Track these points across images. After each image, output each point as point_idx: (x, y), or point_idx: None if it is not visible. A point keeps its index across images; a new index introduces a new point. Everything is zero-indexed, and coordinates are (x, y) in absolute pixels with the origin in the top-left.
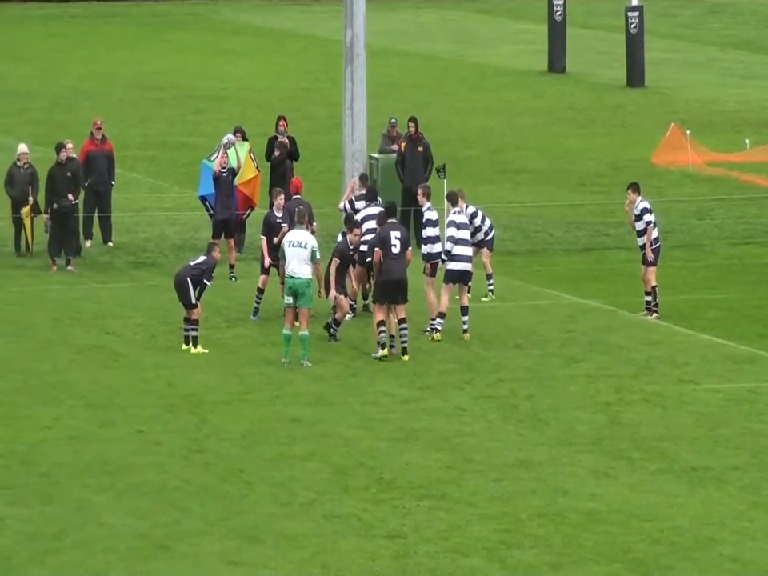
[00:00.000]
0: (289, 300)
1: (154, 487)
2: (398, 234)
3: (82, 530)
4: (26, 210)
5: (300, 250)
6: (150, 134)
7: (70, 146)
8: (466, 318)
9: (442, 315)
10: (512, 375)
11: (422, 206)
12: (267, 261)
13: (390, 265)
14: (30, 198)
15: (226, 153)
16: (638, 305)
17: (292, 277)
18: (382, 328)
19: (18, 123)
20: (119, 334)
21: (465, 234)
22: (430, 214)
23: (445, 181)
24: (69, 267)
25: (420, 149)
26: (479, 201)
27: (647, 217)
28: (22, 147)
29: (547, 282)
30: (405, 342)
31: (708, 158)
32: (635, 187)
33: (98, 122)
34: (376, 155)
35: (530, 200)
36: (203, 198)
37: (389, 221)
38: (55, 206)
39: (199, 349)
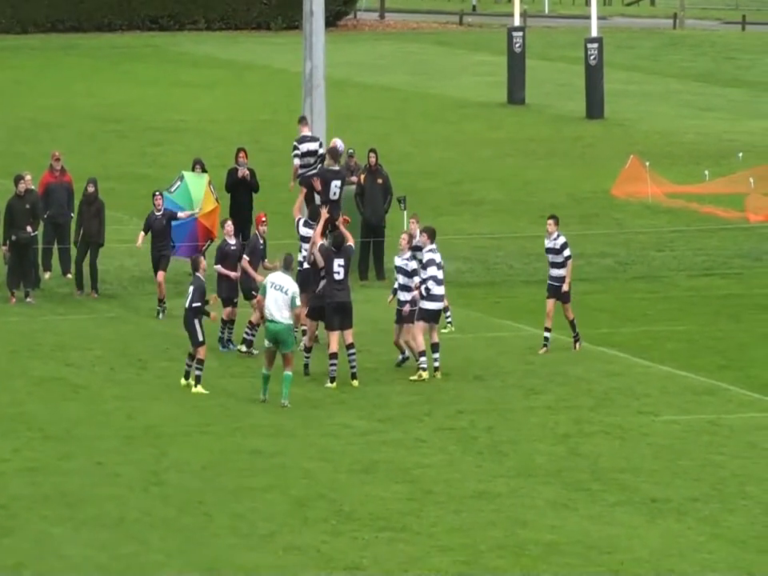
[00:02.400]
0: (269, 344)
1: (113, 519)
2: (341, 261)
3: (41, 562)
4: None
5: (280, 295)
6: (109, 166)
7: (28, 177)
8: (437, 356)
9: (423, 353)
10: (472, 407)
11: (422, 247)
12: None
13: (334, 291)
14: None
15: (161, 196)
16: (600, 336)
17: (272, 321)
18: (334, 361)
19: None
20: (78, 366)
21: (442, 274)
22: (433, 255)
23: (405, 212)
24: (28, 299)
25: (380, 180)
26: (440, 233)
27: (567, 251)
28: None
29: (507, 314)
30: (353, 367)
31: (667, 190)
32: (556, 219)
33: (57, 154)
34: None
35: (489, 231)
36: None
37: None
38: (14, 237)
39: (200, 389)
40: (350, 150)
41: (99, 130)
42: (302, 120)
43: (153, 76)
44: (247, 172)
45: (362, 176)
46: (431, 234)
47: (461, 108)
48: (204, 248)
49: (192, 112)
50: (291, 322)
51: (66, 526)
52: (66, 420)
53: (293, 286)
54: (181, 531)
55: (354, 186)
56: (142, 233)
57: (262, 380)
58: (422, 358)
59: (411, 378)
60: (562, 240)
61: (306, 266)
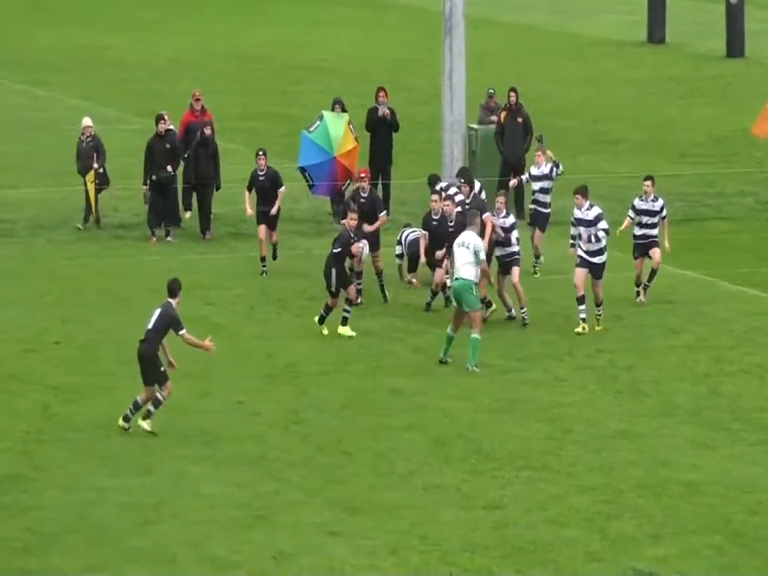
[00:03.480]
0: (455, 303)
1: (253, 458)
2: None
3: (180, 500)
4: (89, 176)
5: (464, 251)
6: (249, 105)
7: (167, 117)
8: (600, 310)
9: (581, 301)
10: (611, 346)
11: (579, 208)
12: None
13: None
14: (95, 165)
15: (264, 156)
16: (740, 276)
17: (456, 278)
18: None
19: (117, 94)
20: (218, 305)
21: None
22: (597, 211)
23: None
24: (168, 238)
25: (519, 120)
26: (577, 172)
27: (603, 224)
28: (86, 121)
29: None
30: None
31: None
32: (584, 191)
33: (197, 94)
34: (475, 126)
35: (627, 171)
36: (303, 169)
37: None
38: (154, 177)
39: (346, 330)
40: (490, 90)
41: (238, 69)
42: None
43: (291, 15)
44: (387, 111)
45: (503, 115)
46: (585, 193)
47: (600, 47)
48: (343, 187)
49: (331, 51)
50: (473, 279)
51: (205, 465)
52: (205, 359)
53: (475, 241)
54: (320, 470)
55: (493, 126)
56: (247, 192)
57: (446, 340)
58: (581, 306)
59: (576, 330)
60: (596, 210)
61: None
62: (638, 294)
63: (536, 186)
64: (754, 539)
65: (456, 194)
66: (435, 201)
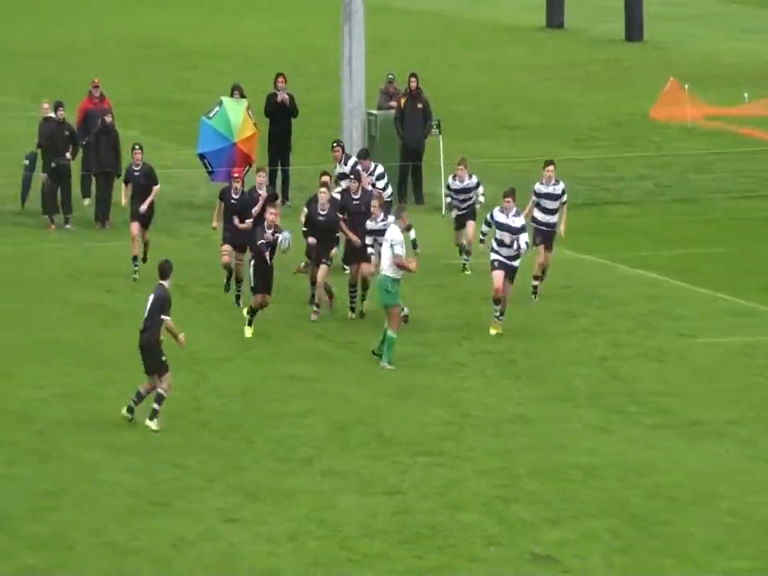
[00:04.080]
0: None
1: (153, 445)
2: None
3: (79, 487)
4: None
5: (386, 246)
6: (144, 92)
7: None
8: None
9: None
10: (510, 331)
11: (507, 212)
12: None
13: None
14: None
15: (140, 150)
16: (639, 259)
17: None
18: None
19: (11, 81)
20: (118, 293)
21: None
22: (522, 222)
23: (440, 137)
24: (67, 225)
25: (419, 105)
26: (477, 156)
27: (526, 236)
28: None
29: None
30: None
31: (707, 112)
32: (514, 195)
33: (96, 81)
34: (374, 111)
35: (528, 155)
36: (202, 156)
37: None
38: (53, 164)
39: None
40: (390, 75)
41: (132, 55)
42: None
43: (188, 0)
44: (286, 96)
45: (402, 100)
46: (515, 197)
47: (500, 32)
48: (243, 173)
49: (228, 37)
50: (389, 275)
51: (105, 452)
52: (104, 346)
53: (393, 235)
54: (220, 456)
55: (393, 111)
56: (124, 185)
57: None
58: (498, 307)
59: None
60: (562, 186)
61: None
62: (534, 292)
63: (459, 197)
64: (651, 522)
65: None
66: (354, 182)
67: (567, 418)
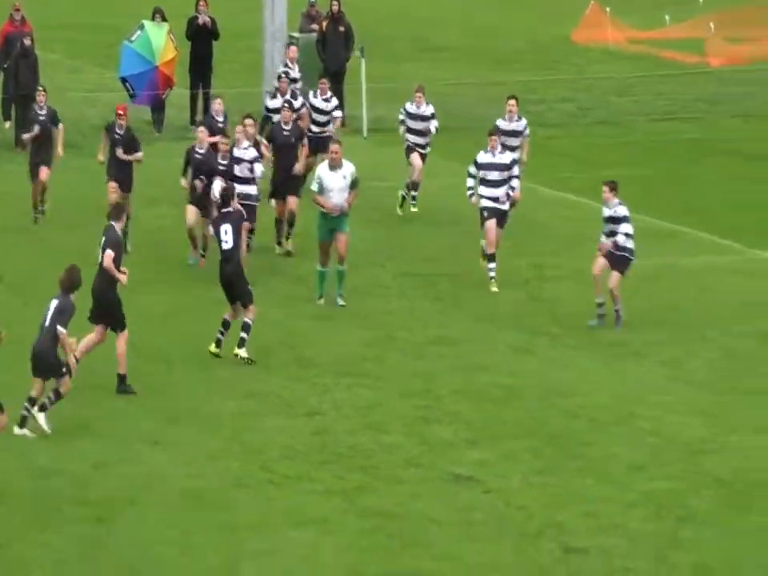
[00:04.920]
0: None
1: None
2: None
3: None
4: None
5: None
6: (67, 15)
7: None
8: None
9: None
10: (432, 253)
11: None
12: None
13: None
14: None
15: (44, 93)
16: (561, 181)
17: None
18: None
19: None
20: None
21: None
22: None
23: (363, 60)
24: None
25: (341, 28)
26: (400, 79)
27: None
28: None
29: (466, 160)
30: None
31: (628, 35)
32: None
33: (17, 4)
34: (296, 35)
35: (450, 78)
36: (124, 80)
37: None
38: None
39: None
40: None
41: None
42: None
43: None
44: (208, 20)
45: (324, 23)
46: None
47: None
48: (164, 95)
49: None
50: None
51: (26, 376)
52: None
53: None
54: (142, 378)
55: (315, 34)
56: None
57: (318, 277)
58: (492, 265)
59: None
60: (524, 122)
61: None
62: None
63: (412, 124)
64: (572, 443)
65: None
66: (286, 110)
67: (489, 340)
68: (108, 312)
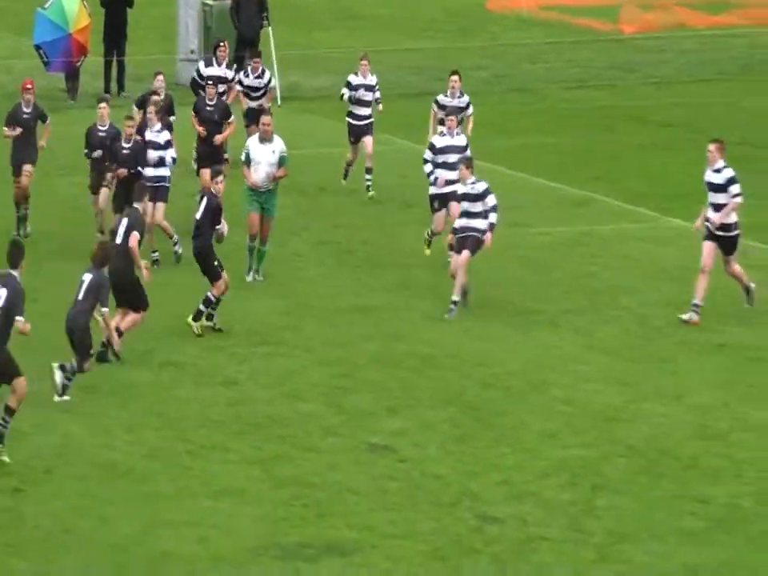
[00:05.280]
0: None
1: None
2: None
3: None
4: None
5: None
6: None
7: None
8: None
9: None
10: (348, 221)
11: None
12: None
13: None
14: None
15: None
16: (472, 149)
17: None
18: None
19: None
20: None
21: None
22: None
23: (270, 28)
24: None
25: None
26: (314, 47)
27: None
28: None
29: (384, 127)
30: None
31: (541, 2)
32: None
33: None
34: (210, 2)
35: (364, 46)
36: (38, 47)
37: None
38: None
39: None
40: None
41: None
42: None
43: None
44: None
45: None
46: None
47: None
48: (78, 63)
49: None
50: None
51: None
52: None
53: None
54: (56, 350)
55: (229, 1)
56: None
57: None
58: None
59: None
60: (466, 99)
61: None
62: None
63: (358, 94)
64: (487, 412)
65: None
66: (211, 87)
67: (406, 308)
68: (129, 292)
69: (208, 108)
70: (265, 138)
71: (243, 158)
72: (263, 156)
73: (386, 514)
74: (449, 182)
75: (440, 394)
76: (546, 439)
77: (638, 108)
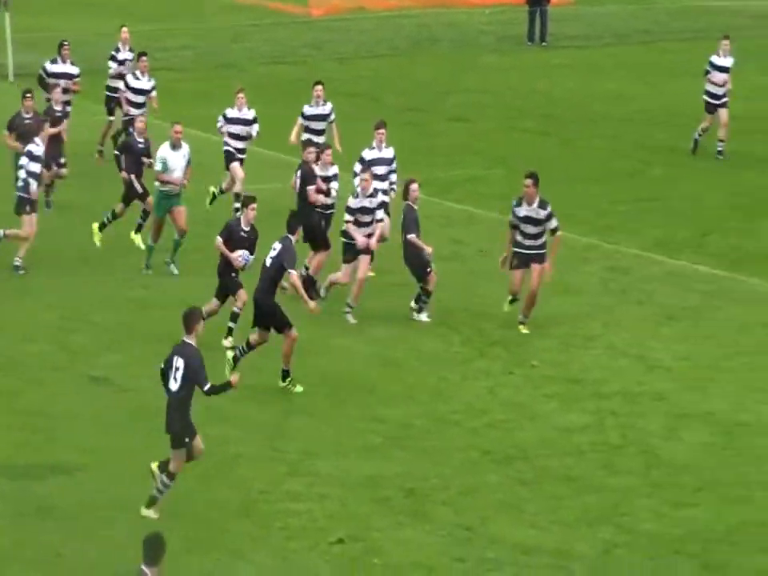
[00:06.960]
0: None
1: None
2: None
3: None
4: None
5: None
6: None
7: None
8: None
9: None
10: None
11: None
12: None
13: None
14: None
15: None
16: (181, 117)
17: None
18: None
19: None
20: None
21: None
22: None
23: (7, 13)
24: None
25: None
26: (49, 30)
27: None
28: None
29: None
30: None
31: None
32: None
33: None
34: None
35: (105, 30)
36: None
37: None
38: None
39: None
40: None
41: None
42: None
43: None
44: None
45: None
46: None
47: None
48: None
49: None
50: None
51: None
52: None
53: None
54: None
55: None
56: None
57: (147, 250)
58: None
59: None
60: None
61: None
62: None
63: (233, 129)
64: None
65: None
66: (28, 99)
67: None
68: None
69: (25, 121)
70: (176, 145)
71: (160, 167)
72: (177, 162)
73: (107, 437)
74: (367, 210)
75: (153, 332)
76: (254, 372)
77: (327, 80)
